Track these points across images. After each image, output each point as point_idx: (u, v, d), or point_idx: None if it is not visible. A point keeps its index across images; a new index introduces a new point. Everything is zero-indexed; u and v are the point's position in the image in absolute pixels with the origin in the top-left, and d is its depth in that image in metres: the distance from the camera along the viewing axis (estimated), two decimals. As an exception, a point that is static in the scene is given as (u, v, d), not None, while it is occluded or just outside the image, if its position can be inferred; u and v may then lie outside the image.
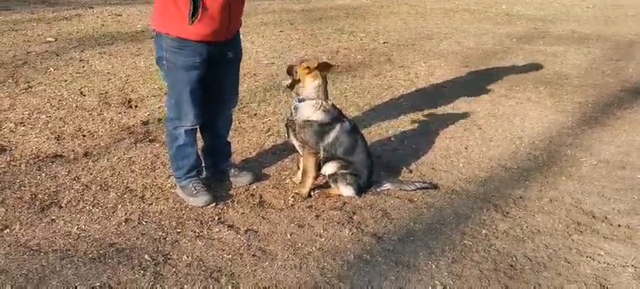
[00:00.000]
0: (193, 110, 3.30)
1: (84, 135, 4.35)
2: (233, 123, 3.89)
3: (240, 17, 3.39)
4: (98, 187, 3.58)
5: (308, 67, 3.47)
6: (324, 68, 3.53)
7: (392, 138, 4.65)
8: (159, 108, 4.97)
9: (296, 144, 3.61)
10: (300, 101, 3.50)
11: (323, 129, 3.51)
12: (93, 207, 3.35)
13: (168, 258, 2.88)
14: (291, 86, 3.59)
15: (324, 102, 3.51)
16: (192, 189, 3.44)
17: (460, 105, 5.49)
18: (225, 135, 3.76)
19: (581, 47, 8.12)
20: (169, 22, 3.11)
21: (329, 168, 3.61)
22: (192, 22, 3.05)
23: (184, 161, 3.46)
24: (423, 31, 8.93)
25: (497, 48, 7.99)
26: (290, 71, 3.60)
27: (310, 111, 3.48)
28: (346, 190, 3.58)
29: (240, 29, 3.49)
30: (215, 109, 3.52)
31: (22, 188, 3.51)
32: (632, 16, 10.84)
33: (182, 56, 3.15)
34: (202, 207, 3.39)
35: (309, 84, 3.48)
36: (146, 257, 2.88)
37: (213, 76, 3.32)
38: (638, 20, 10.39)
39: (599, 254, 3.08)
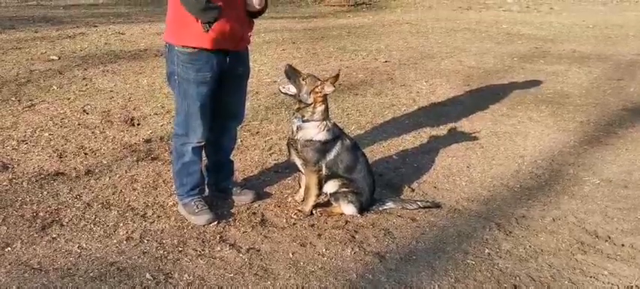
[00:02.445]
0: (202, 126, 3.32)
1: (86, 153, 4.35)
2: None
3: (249, 31, 3.42)
4: (100, 205, 3.57)
5: (324, 95, 3.45)
6: (334, 83, 3.47)
7: (394, 157, 4.65)
8: (161, 126, 4.98)
9: (298, 162, 3.60)
10: (304, 121, 3.49)
11: (325, 147, 3.50)
12: (94, 225, 3.34)
13: (170, 277, 2.86)
14: (298, 108, 3.49)
15: (327, 122, 3.51)
16: (194, 207, 3.44)
17: (462, 123, 5.49)
18: (229, 153, 3.77)
19: (582, 66, 8.15)
20: (185, 31, 3.14)
21: (330, 187, 3.61)
22: (207, 29, 3.09)
23: (188, 178, 3.47)
24: (425, 50, 8.98)
25: (499, 67, 8.02)
26: (294, 75, 3.45)
27: (315, 132, 3.47)
28: (348, 208, 3.57)
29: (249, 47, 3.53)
30: (221, 126, 3.53)
31: (24, 206, 3.51)
32: (632, 35, 10.89)
33: (193, 70, 3.18)
34: (204, 225, 3.37)
35: (319, 108, 3.47)
36: (147, 275, 2.86)
37: (221, 92, 3.35)
38: (638, 40, 10.43)
39: (603, 274, 3.06)
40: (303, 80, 3.44)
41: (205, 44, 3.14)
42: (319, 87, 3.42)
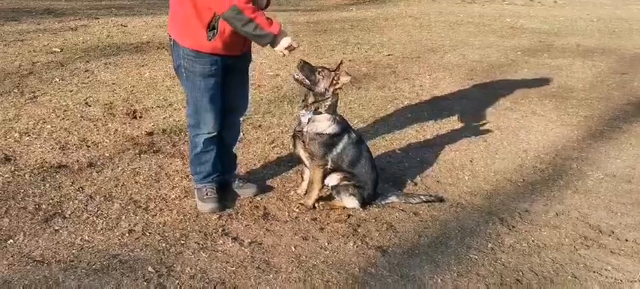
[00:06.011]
0: (213, 117, 3.37)
1: (88, 146, 4.35)
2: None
3: None
4: (102, 198, 3.57)
5: (340, 86, 3.45)
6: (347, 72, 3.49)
7: (397, 151, 4.63)
8: (163, 119, 4.97)
9: (303, 155, 3.58)
10: (316, 113, 3.47)
11: (333, 140, 3.49)
12: (97, 217, 3.34)
13: (172, 270, 2.86)
14: (314, 102, 3.46)
15: (336, 116, 3.51)
16: (204, 193, 3.50)
17: (465, 117, 5.47)
18: (233, 145, 3.78)
19: (585, 60, 8.11)
20: (188, 35, 3.18)
21: (332, 180, 3.60)
22: (210, 38, 3.13)
23: (201, 167, 3.54)
24: (428, 44, 8.94)
25: (502, 61, 7.99)
26: (310, 70, 3.43)
27: (325, 125, 3.47)
28: (349, 201, 3.57)
29: None
30: (225, 119, 3.53)
31: (26, 198, 3.50)
32: (636, 29, 10.83)
33: (199, 64, 3.23)
34: (207, 213, 3.41)
35: (334, 100, 3.47)
36: (149, 268, 2.86)
37: (225, 84, 3.37)
38: (642, 34, 10.38)
39: (606, 269, 3.05)
40: (319, 74, 3.43)
41: (207, 50, 3.18)
42: (336, 79, 3.42)
